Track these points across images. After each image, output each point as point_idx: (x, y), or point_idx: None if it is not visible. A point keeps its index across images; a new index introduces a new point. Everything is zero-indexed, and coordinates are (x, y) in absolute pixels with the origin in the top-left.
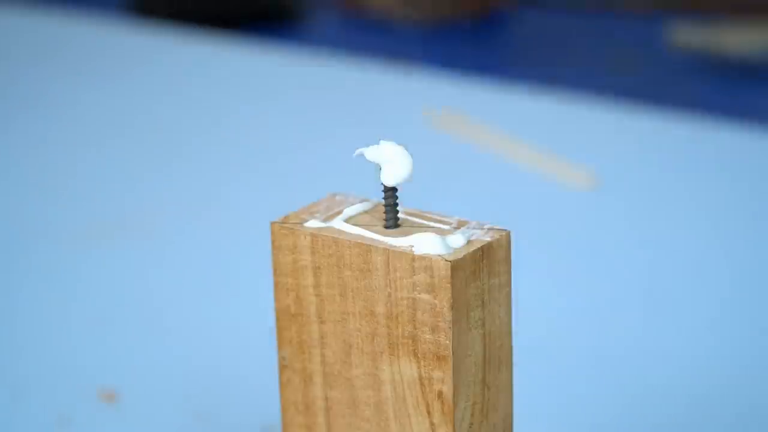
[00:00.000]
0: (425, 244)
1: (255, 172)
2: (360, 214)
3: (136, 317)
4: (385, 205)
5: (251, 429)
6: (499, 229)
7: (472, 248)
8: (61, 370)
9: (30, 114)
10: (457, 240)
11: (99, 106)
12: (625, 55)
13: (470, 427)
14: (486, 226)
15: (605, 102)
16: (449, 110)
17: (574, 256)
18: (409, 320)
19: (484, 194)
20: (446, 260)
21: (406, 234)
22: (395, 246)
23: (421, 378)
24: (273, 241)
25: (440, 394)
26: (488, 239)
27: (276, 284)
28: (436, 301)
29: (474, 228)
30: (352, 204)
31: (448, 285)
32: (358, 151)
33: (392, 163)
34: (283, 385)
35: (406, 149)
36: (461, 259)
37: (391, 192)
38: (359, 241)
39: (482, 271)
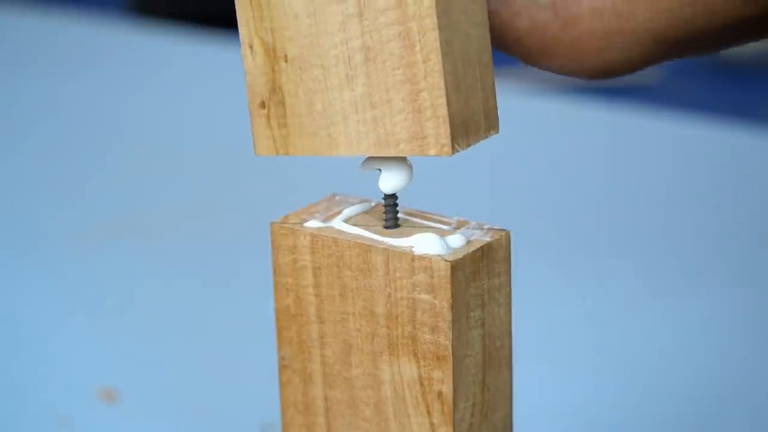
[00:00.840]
0: (425, 244)
1: (255, 171)
2: (360, 214)
3: (136, 317)
4: (385, 206)
5: (251, 429)
6: (499, 229)
7: (472, 248)
8: (61, 370)
9: (30, 114)
10: (457, 240)
11: (99, 106)
12: None
13: (470, 427)
14: (486, 226)
15: (605, 102)
16: None
17: (575, 256)
18: (408, 320)
19: (484, 194)
20: (446, 260)
21: (406, 234)
22: (395, 246)
23: (420, 378)
24: (273, 241)
25: (440, 394)
26: (488, 239)
27: (276, 284)
28: (436, 301)
29: (474, 228)
30: (352, 204)
31: (448, 285)
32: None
33: (391, 170)
34: (282, 385)
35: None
36: (461, 259)
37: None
38: (359, 241)
39: (482, 271)
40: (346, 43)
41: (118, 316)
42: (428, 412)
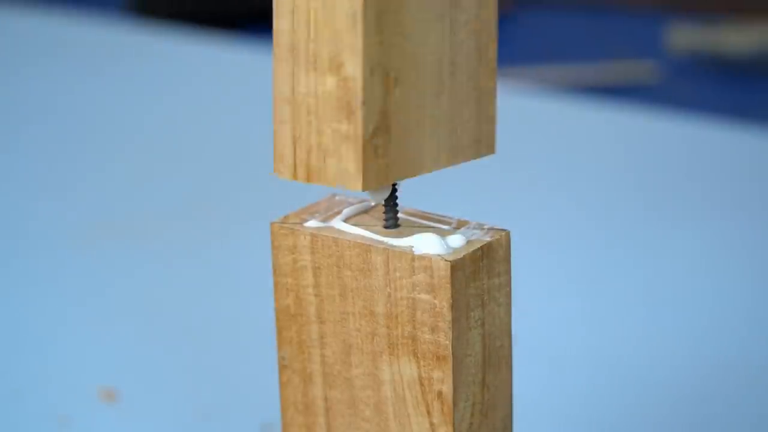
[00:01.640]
0: (425, 244)
1: (255, 171)
2: (360, 214)
3: (136, 317)
4: (385, 206)
5: (251, 429)
6: (499, 229)
7: (472, 248)
8: (61, 370)
9: (29, 114)
10: (457, 240)
11: (99, 106)
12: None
13: (470, 426)
14: (486, 226)
15: (605, 102)
16: None
17: (574, 255)
18: (408, 320)
19: (484, 194)
20: (446, 260)
21: (405, 234)
22: (395, 246)
23: (420, 378)
24: (273, 241)
25: (440, 394)
26: (488, 239)
27: (276, 284)
28: (435, 301)
29: (474, 228)
30: (352, 204)
31: (448, 285)
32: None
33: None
34: (282, 385)
35: None
36: (461, 259)
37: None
38: (359, 241)
39: (482, 271)
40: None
41: (118, 316)
42: (428, 412)
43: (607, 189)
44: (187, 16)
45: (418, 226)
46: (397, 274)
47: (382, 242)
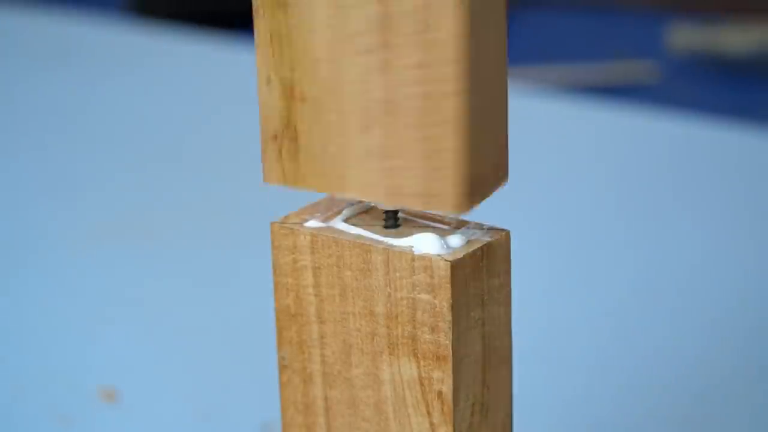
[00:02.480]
0: (425, 244)
1: (255, 171)
2: (360, 214)
3: (136, 317)
4: None
5: (251, 429)
6: (499, 229)
7: (472, 248)
8: (61, 370)
9: (29, 114)
10: (457, 240)
11: (98, 106)
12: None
13: (470, 426)
14: (486, 226)
15: (605, 102)
16: None
17: (575, 255)
18: (408, 320)
19: None
20: (446, 260)
21: (405, 234)
22: (395, 246)
23: (420, 378)
24: (273, 241)
25: (440, 394)
26: (488, 239)
27: (276, 284)
28: (435, 301)
29: (474, 228)
30: (352, 204)
31: (448, 285)
32: None
33: None
34: (282, 385)
35: None
36: (461, 259)
37: None
38: (359, 241)
39: (482, 271)
40: (367, 94)
41: (118, 316)
42: (428, 412)
43: (607, 189)
44: (187, 16)
45: (418, 226)
46: (397, 274)
47: (382, 242)
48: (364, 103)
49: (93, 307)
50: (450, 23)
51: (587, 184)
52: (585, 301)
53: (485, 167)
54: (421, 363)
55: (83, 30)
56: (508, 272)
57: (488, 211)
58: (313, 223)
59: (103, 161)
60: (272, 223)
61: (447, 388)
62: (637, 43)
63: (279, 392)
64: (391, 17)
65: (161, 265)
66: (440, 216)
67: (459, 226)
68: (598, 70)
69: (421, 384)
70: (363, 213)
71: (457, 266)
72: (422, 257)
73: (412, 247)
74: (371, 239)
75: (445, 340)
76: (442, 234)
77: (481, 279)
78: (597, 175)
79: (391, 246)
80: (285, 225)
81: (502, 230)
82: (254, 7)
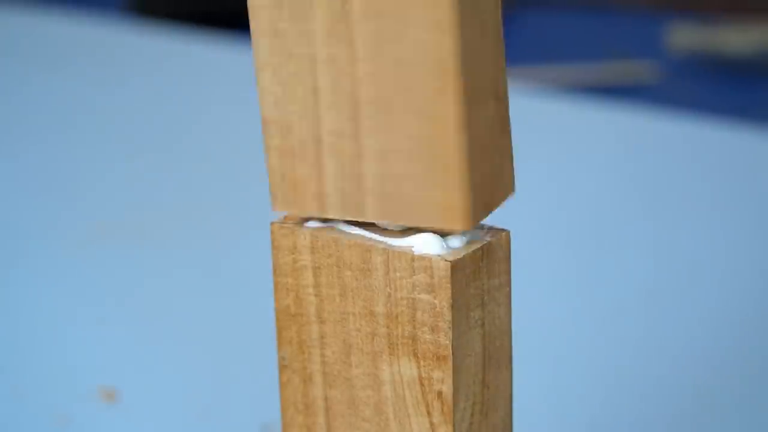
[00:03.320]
0: (425, 244)
1: (255, 171)
2: None
3: (136, 317)
4: None
5: (251, 429)
6: (499, 229)
7: (472, 248)
8: (61, 370)
9: (28, 114)
10: (457, 240)
11: (98, 106)
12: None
13: (470, 426)
14: (486, 226)
15: (605, 102)
16: None
17: (575, 255)
18: (408, 320)
19: None
20: (446, 260)
21: (406, 234)
22: (395, 246)
23: (420, 378)
24: (273, 241)
25: (440, 394)
26: (488, 239)
27: (276, 284)
28: (435, 301)
29: (474, 228)
30: None
31: (448, 285)
32: None
33: None
34: (283, 385)
35: None
36: (461, 259)
37: None
38: (359, 241)
39: (482, 271)
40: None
41: (118, 316)
42: (428, 412)
43: (607, 189)
44: (187, 16)
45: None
46: (397, 274)
47: (382, 242)
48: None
49: (93, 307)
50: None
51: (587, 184)
52: (585, 301)
53: (487, 181)
54: (421, 363)
55: (83, 30)
56: (508, 272)
57: None
58: (313, 223)
59: (102, 161)
60: (272, 223)
61: (447, 388)
62: (637, 43)
63: (279, 392)
64: None
65: (161, 265)
66: None
67: None
68: (598, 70)
69: (421, 384)
70: None
71: (457, 266)
72: (422, 257)
73: (412, 247)
74: (371, 239)
75: (445, 340)
76: (443, 234)
77: (481, 279)
78: (597, 175)
79: (391, 246)
80: (285, 225)
81: (502, 230)
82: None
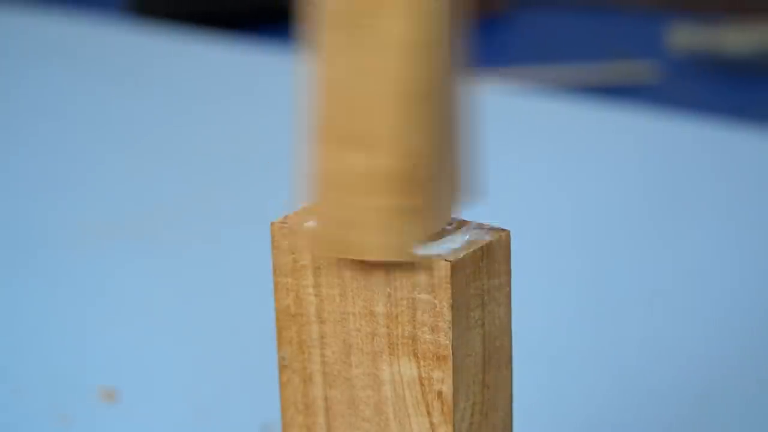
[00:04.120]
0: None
1: (255, 171)
2: None
3: (136, 317)
4: None
5: (251, 429)
6: (499, 229)
7: (472, 248)
8: (61, 370)
9: (29, 114)
10: (457, 240)
11: (98, 106)
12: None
13: (470, 426)
14: (486, 226)
15: (605, 102)
16: None
17: (575, 255)
18: (408, 320)
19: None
20: (446, 260)
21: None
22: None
23: (420, 378)
24: (273, 241)
25: (440, 394)
26: (488, 239)
27: (276, 284)
28: (435, 301)
29: (474, 228)
30: None
31: (448, 285)
32: None
33: None
34: (282, 385)
35: None
36: (461, 259)
37: None
38: None
39: (482, 271)
40: None
41: (119, 315)
42: (428, 412)
43: (607, 189)
44: (187, 16)
45: None
46: (397, 274)
47: None
48: None
49: (93, 307)
50: None
51: (587, 184)
52: (585, 301)
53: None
54: (421, 363)
55: (83, 30)
56: (508, 272)
57: (488, 211)
58: (313, 224)
59: (102, 161)
60: (272, 223)
61: (447, 388)
62: (637, 43)
63: (279, 392)
64: None
65: (161, 264)
66: None
67: (459, 226)
68: (598, 70)
69: (421, 384)
70: None
71: (457, 266)
72: (422, 257)
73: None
74: None
75: (445, 340)
76: (443, 234)
77: (481, 279)
78: (597, 175)
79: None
80: (285, 225)
81: (502, 230)
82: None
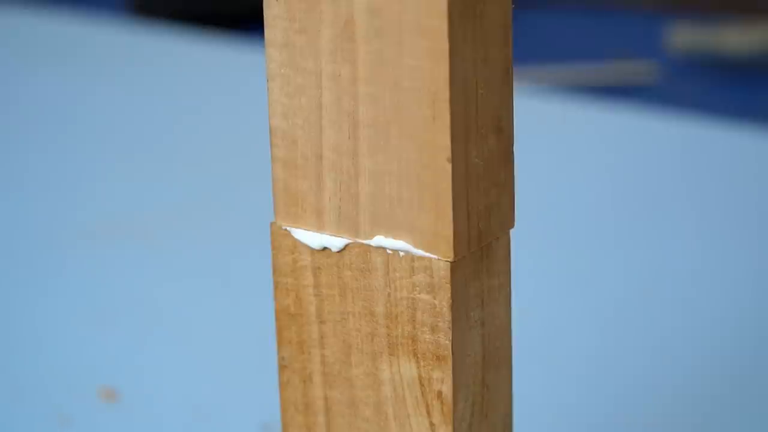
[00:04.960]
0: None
1: (255, 172)
2: None
3: (136, 317)
4: None
5: (251, 429)
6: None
7: (472, 248)
8: (61, 370)
9: (28, 113)
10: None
11: (97, 106)
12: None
13: (470, 426)
14: None
15: (605, 102)
16: None
17: (575, 256)
18: (408, 320)
19: None
20: (446, 260)
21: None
22: (395, 246)
23: (420, 378)
24: (273, 241)
25: (440, 394)
26: (488, 239)
27: (276, 284)
28: (435, 301)
29: (463, 257)
30: None
31: (448, 285)
32: None
33: None
34: (282, 385)
35: None
36: (461, 259)
37: None
38: (359, 240)
39: (482, 271)
40: None
41: (118, 316)
42: (428, 412)
43: (606, 189)
44: (187, 16)
45: None
46: (397, 274)
47: (382, 242)
48: None
49: (93, 307)
50: None
51: (587, 184)
52: (585, 301)
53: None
54: (421, 363)
55: (83, 30)
56: (508, 272)
57: None
58: None
59: (102, 161)
60: (272, 223)
61: (447, 388)
62: (637, 43)
63: (279, 392)
64: None
65: (161, 264)
66: None
67: None
68: (598, 70)
69: (421, 384)
70: None
71: (457, 266)
72: (422, 257)
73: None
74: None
75: (445, 340)
76: None
77: (481, 279)
78: (597, 175)
79: (391, 246)
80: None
81: (502, 230)
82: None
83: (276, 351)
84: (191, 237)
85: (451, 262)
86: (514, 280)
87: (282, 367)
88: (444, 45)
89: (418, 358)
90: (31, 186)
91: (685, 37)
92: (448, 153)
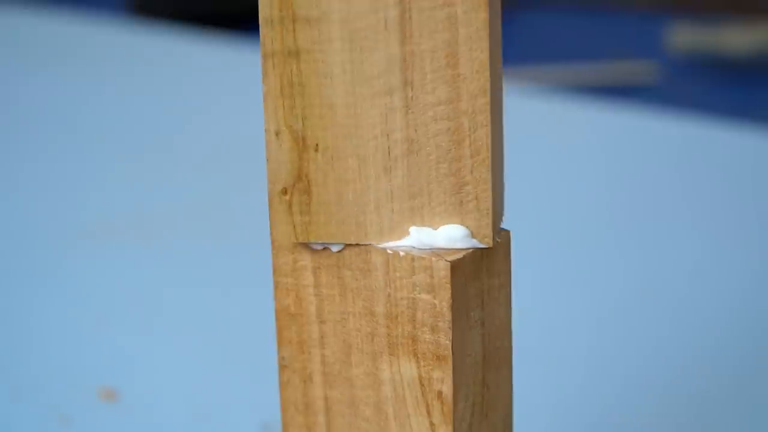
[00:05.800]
0: (449, 239)
1: (255, 172)
2: None
3: (136, 317)
4: None
5: (251, 429)
6: (499, 229)
7: (471, 248)
8: (61, 370)
9: (29, 114)
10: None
11: (98, 106)
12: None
13: (470, 426)
14: None
15: (605, 102)
16: None
17: (575, 256)
18: (408, 320)
19: None
20: (446, 260)
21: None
22: (395, 246)
23: (420, 378)
24: (273, 242)
25: (440, 394)
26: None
27: (276, 284)
28: (435, 301)
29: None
30: None
31: (448, 285)
32: None
33: None
34: (282, 385)
35: None
36: (461, 259)
37: None
38: (359, 240)
39: (482, 271)
40: (387, 135)
41: (118, 316)
42: (428, 412)
43: (606, 189)
44: (187, 16)
45: None
46: (397, 274)
47: (382, 242)
48: (386, 145)
49: (93, 307)
50: (478, 57)
51: (587, 184)
52: (585, 301)
53: (502, 198)
54: (421, 363)
55: (83, 30)
56: (508, 272)
57: None
58: None
59: (102, 161)
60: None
61: (447, 388)
62: (637, 43)
63: (279, 392)
64: (413, 56)
65: (161, 264)
66: None
67: None
68: (598, 70)
69: (421, 384)
70: None
71: (457, 266)
72: (422, 257)
73: (413, 246)
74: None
75: (445, 340)
76: None
77: (481, 279)
78: (597, 175)
79: (391, 246)
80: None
81: (502, 230)
82: (263, 59)
83: (276, 351)
84: (191, 237)
85: (451, 262)
86: (514, 280)
87: (282, 367)
88: None
89: (418, 358)
90: (31, 186)
91: (685, 37)
92: (486, 134)
